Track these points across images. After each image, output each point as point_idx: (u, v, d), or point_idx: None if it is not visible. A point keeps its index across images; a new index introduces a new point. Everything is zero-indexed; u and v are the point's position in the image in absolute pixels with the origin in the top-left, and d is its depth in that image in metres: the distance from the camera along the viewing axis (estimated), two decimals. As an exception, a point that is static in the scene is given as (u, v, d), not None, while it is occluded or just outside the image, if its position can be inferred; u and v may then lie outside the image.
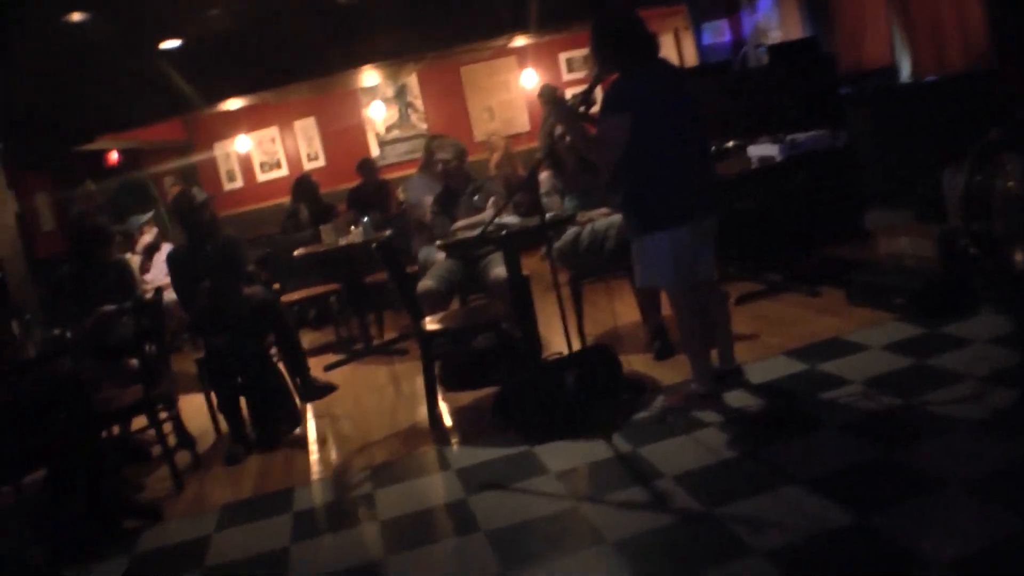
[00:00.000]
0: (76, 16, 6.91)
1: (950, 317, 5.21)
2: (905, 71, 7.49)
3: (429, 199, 6.87)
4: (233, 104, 12.50)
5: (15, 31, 6.89)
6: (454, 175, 6.63)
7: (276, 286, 8.48)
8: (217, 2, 7.58)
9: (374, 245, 5.68)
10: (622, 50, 4.53)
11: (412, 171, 13.01)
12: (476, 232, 5.55)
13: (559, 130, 6.12)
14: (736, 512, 3.50)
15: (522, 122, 14.09)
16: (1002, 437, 3.67)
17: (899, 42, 7.49)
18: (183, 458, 5.65)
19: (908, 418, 4.07)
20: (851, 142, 7.26)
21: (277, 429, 5.80)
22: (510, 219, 5.41)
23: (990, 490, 3.26)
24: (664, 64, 4.78)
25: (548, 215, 5.18)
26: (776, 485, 3.66)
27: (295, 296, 8.14)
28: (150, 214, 9.34)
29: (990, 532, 3.02)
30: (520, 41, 12.82)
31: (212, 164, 14.06)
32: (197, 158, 13.99)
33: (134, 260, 8.31)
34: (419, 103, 14.16)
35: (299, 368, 6.18)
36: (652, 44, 4.64)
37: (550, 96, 10.87)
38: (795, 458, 3.90)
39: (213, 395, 6.09)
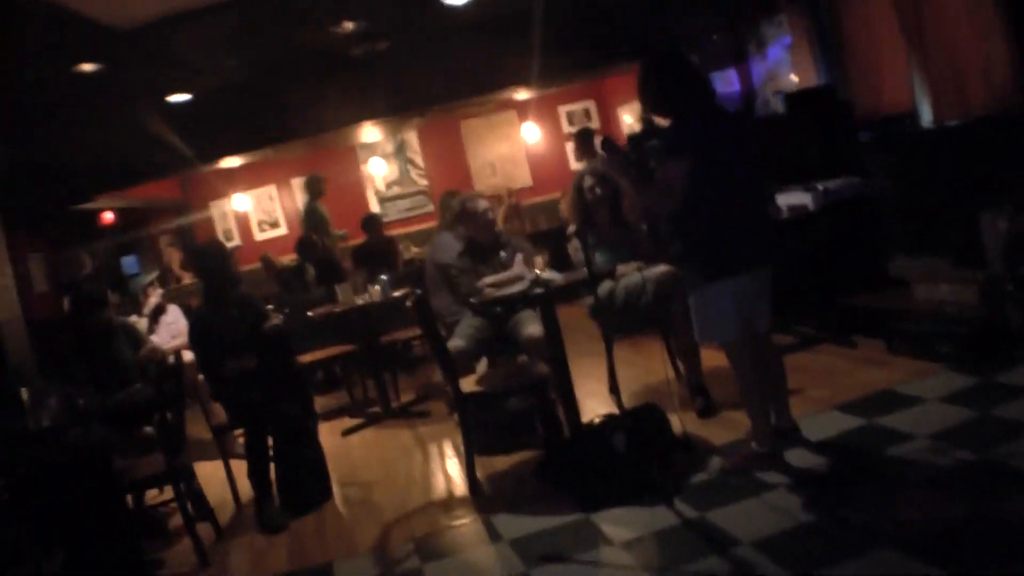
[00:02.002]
0: (88, 67, 6.73)
1: (1001, 365, 5.05)
2: (926, 116, 7.38)
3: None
4: (230, 162, 12.35)
5: (19, 82, 6.72)
6: (489, 228, 6.42)
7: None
8: (231, 53, 7.42)
9: (408, 302, 5.47)
10: (678, 93, 4.36)
11: (414, 228, 13.02)
12: (512, 290, 5.35)
13: (588, 182, 6.00)
14: (833, 580, 3.28)
15: (524, 176, 13.98)
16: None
17: (919, 86, 7.38)
18: (204, 531, 5.34)
19: (989, 472, 3.88)
20: (875, 189, 7.16)
21: (309, 501, 5.53)
22: (550, 275, 5.21)
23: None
24: (719, 107, 4.63)
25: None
26: (868, 548, 3.44)
27: (308, 358, 7.90)
28: (154, 275, 9.18)
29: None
30: (521, 95, 12.74)
31: (209, 223, 13.88)
32: (194, 217, 13.81)
33: (141, 323, 8.10)
34: (419, 159, 14.06)
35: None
36: (708, 86, 4.51)
37: (584, 138, 10.60)
38: (880, 518, 3.69)
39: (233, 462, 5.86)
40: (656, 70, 4.43)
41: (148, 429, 5.89)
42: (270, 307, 7.54)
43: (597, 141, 9.49)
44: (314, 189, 11.63)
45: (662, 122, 4.46)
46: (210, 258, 6.09)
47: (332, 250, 10.59)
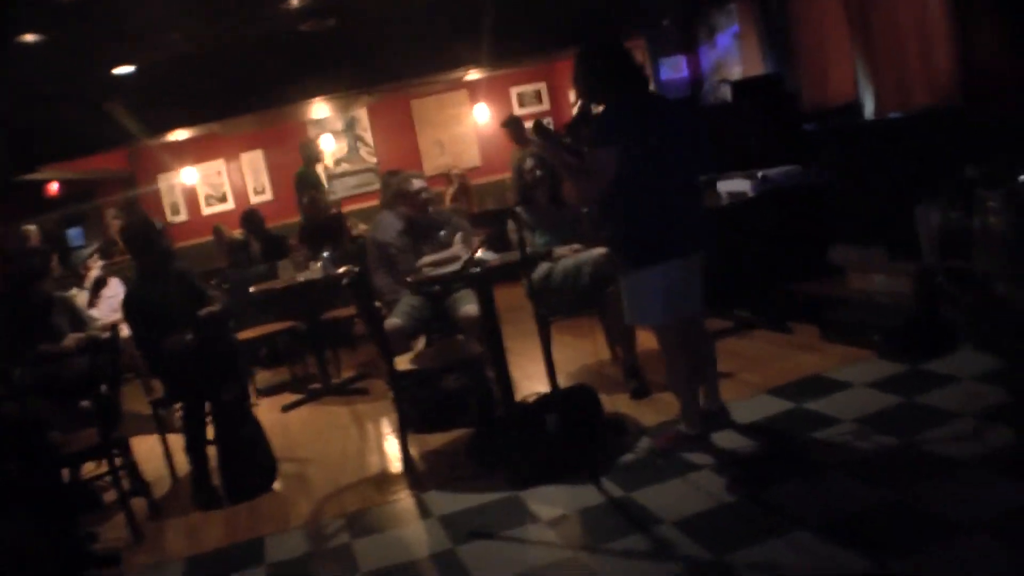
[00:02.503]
0: (30, 37, 6.63)
1: (930, 354, 5.15)
2: (869, 108, 7.47)
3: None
4: (179, 135, 12.21)
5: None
6: (423, 208, 6.44)
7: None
8: (178, 27, 7.34)
9: (344, 281, 5.46)
10: (609, 81, 4.40)
11: (362, 205, 12.96)
12: (449, 269, 5.38)
13: (529, 163, 6.02)
14: (748, 559, 3.36)
15: (472, 156, 13.99)
16: (1010, 477, 3.57)
17: (863, 78, 7.47)
18: (139, 505, 5.31)
19: (909, 458, 3.97)
20: (817, 178, 7.25)
21: (249, 484, 5.49)
22: (486, 255, 5.23)
23: (1008, 532, 3.16)
24: (653, 95, 4.68)
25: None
26: (785, 529, 3.52)
27: (250, 334, 7.85)
28: (95, 246, 9.07)
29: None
30: (472, 75, 12.72)
31: (156, 196, 13.75)
32: (141, 190, 13.67)
33: (81, 296, 8.03)
34: (368, 136, 14.02)
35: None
36: (640, 75, 4.54)
37: (516, 127, 10.69)
38: (800, 501, 3.78)
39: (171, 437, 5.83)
40: (588, 58, 4.47)
41: (85, 403, 5.84)
42: (212, 282, 7.51)
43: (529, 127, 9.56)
44: (309, 154, 11.71)
45: (597, 109, 4.49)
46: (140, 234, 6.03)
47: (341, 215, 10.61)
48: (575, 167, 4.46)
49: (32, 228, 9.73)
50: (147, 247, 5.96)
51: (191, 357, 5.66)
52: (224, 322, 6.14)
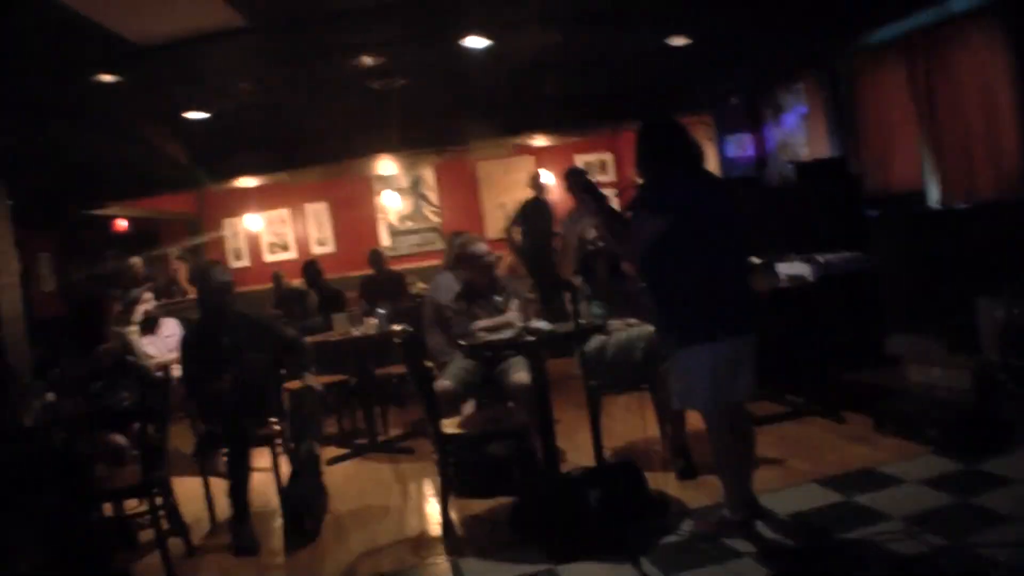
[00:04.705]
0: (107, 77, 6.80)
1: (987, 453, 5.03)
2: (934, 196, 7.42)
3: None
4: (246, 182, 12.44)
5: (43, 86, 6.79)
6: (485, 272, 6.46)
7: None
8: (249, 76, 7.49)
9: (397, 339, 5.48)
10: (663, 156, 4.42)
11: (423, 263, 13.02)
12: (503, 335, 5.38)
13: (592, 233, 6.01)
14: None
15: (536, 222, 14.01)
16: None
17: (928, 166, 7.42)
18: (175, 546, 5.31)
19: (957, 561, 3.85)
20: (877, 265, 7.18)
21: (306, 526, 5.49)
22: (539, 324, 5.23)
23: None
24: (709, 174, 4.67)
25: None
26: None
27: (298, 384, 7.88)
28: (148, 284, 9.16)
29: None
30: (538, 141, 12.81)
31: (220, 241, 13.97)
32: (206, 234, 13.90)
33: (132, 331, 8.10)
34: (433, 196, 14.16)
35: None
36: (698, 153, 4.54)
37: (580, 182, 10.59)
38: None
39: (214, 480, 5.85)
40: (644, 134, 4.51)
41: (119, 438, 5.89)
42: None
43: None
44: (538, 184, 11.67)
45: None
46: (203, 276, 6.13)
47: (400, 274, 10.78)
48: (619, 228, 4.46)
49: (137, 260, 9.89)
50: (208, 289, 6.05)
51: (239, 401, 5.71)
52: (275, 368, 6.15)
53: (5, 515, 4.43)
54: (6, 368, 6.62)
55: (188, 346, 6.08)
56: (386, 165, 13.01)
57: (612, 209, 4.68)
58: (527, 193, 11.52)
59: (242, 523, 5.50)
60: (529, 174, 12.09)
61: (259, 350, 6.05)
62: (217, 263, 6.26)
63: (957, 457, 5.08)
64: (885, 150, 8.09)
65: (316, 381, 6.35)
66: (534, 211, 11.07)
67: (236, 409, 5.70)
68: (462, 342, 5.57)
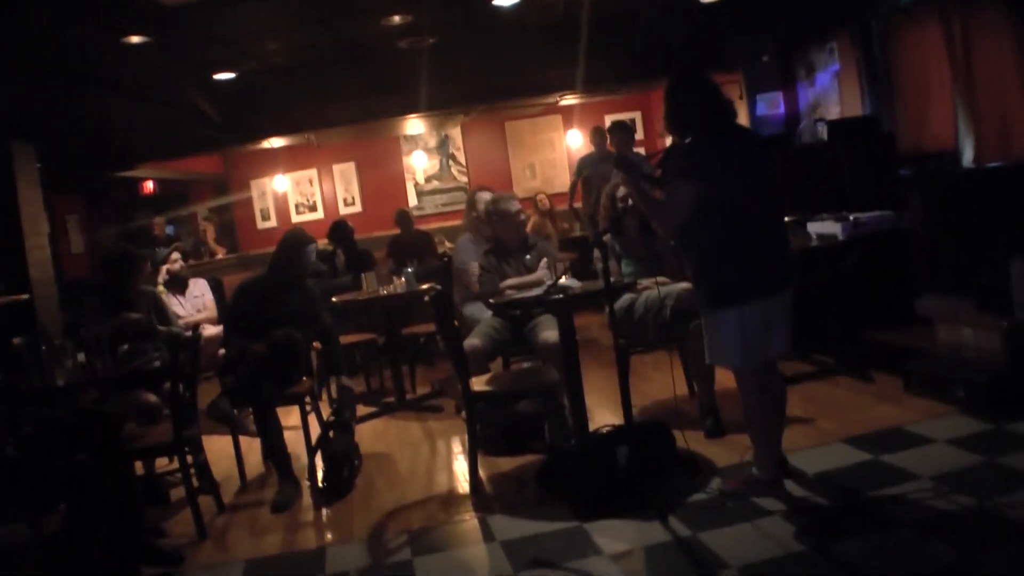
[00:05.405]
0: (135, 39, 6.80)
1: (1015, 414, 4.98)
2: (968, 155, 7.32)
3: (476, 256, 6.69)
4: (273, 143, 12.44)
5: (71, 49, 6.80)
6: (518, 230, 6.44)
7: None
8: (277, 37, 7.48)
9: (427, 297, 5.48)
10: (694, 115, 4.33)
11: (450, 223, 13.01)
12: (531, 293, 5.37)
13: (622, 191, 5.96)
14: (811, 613, 3.27)
15: (563, 181, 13.92)
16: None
17: (963, 125, 7.32)
18: (206, 504, 5.36)
19: (986, 521, 3.83)
20: (909, 224, 7.12)
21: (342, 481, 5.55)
22: (569, 282, 5.21)
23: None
24: (741, 131, 4.60)
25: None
26: (851, 586, 3.42)
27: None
28: (175, 245, 9.20)
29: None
30: (567, 100, 12.73)
31: (248, 201, 14.01)
32: (233, 194, 13.95)
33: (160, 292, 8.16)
34: (461, 155, 14.14)
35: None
36: (729, 111, 4.44)
37: (625, 132, 10.30)
38: (868, 557, 3.66)
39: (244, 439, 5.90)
40: (674, 91, 4.40)
41: (152, 397, 5.94)
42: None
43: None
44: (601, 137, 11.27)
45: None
46: (304, 257, 6.24)
47: (428, 233, 10.82)
48: (653, 201, 4.42)
49: (159, 220, 9.96)
50: (293, 262, 6.18)
51: (259, 363, 5.75)
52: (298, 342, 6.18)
53: (30, 476, 4.46)
54: (38, 328, 6.66)
55: (245, 298, 6.17)
56: (413, 125, 12.98)
57: (649, 182, 4.63)
58: (554, 152, 11.40)
59: (283, 478, 5.56)
60: (593, 128, 11.58)
61: (303, 326, 6.09)
62: (311, 241, 6.27)
63: (985, 418, 5.04)
64: (919, 109, 7.99)
65: (351, 383, 6.44)
66: (594, 166, 10.82)
67: (263, 373, 5.74)
68: (491, 300, 5.56)
